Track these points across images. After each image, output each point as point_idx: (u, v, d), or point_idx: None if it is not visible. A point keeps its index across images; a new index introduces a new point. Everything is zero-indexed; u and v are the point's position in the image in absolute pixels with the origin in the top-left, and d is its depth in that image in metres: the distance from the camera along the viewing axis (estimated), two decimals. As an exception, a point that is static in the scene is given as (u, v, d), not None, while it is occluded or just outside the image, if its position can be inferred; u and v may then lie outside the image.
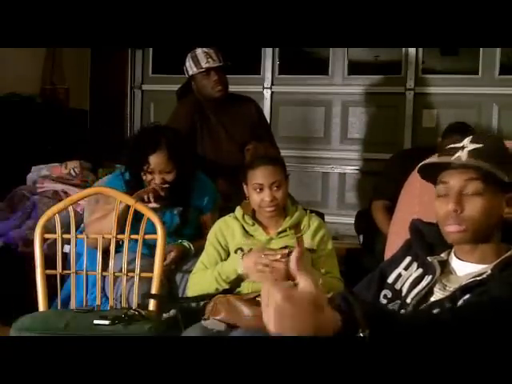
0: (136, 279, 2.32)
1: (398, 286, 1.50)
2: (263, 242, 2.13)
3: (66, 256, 2.55)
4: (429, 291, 1.43)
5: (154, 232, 2.35)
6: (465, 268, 1.42)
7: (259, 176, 2.12)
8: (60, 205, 2.45)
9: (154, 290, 2.28)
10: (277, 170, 2.13)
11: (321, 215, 2.69)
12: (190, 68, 3.27)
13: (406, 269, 1.53)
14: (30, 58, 4.45)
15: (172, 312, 2.23)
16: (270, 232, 2.15)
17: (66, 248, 2.60)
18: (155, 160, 2.60)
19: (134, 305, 2.27)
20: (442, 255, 1.49)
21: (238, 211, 2.19)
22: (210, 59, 3.21)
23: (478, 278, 1.34)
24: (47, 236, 2.43)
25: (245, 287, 2.09)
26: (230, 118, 3.32)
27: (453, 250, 1.48)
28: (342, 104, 4.73)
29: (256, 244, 2.12)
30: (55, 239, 2.41)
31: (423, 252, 1.51)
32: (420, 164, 1.45)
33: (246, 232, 2.15)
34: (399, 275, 1.52)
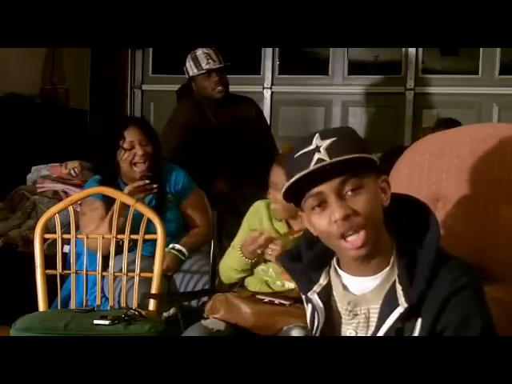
0: (136, 279, 2.32)
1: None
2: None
3: (65, 256, 2.55)
4: (332, 326, 1.30)
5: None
6: (361, 283, 1.29)
7: None
8: (60, 205, 2.45)
9: (153, 290, 2.28)
10: None
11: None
12: (191, 69, 3.27)
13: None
14: (30, 58, 4.45)
15: (172, 311, 2.23)
16: (293, 233, 2.11)
17: (66, 248, 2.60)
18: (132, 132, 2.63)
19: (134, 305, 2.27)
20: (321, 280, 1.34)
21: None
22: (210, 60, 3.21)
23: (400, 312, 1.21)
24: (47, 236, 2.44)
25: (250, 283, 2.07)
26: (229, 118, 3.33)
27: (334, 265, 1.34)
28: (342, 104, 4.73)
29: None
30: (55, 239, 2.41)
31: (303, 288, 1.37)
32: (287, 185, 1.24)
33: (272, 225, 2.09)
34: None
